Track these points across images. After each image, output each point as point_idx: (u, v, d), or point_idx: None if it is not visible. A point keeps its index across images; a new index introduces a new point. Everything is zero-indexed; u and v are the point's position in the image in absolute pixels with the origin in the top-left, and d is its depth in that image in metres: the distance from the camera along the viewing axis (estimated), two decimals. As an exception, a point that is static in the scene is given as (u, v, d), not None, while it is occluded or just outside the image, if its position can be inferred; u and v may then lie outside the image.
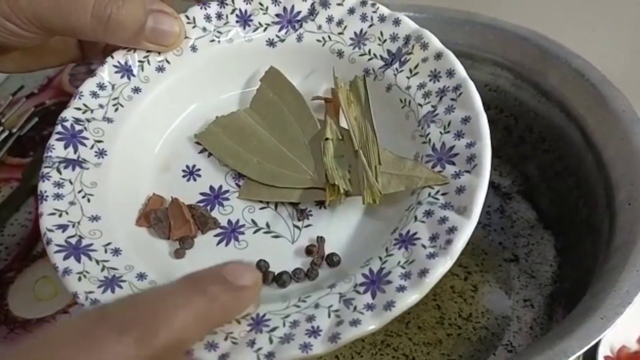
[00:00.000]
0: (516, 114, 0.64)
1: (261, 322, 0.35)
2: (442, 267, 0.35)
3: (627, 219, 0.47)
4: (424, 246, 0.36)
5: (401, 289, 0.35)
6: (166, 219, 0.43)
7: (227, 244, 0.43)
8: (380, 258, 0.37)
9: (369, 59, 0.47)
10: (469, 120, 0.41)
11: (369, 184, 0.41)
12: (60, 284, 0.66)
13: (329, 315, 0.35)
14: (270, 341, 0.34)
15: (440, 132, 0.41)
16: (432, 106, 0.43)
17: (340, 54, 0.48)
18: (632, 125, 0.50)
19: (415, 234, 0.37)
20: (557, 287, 0.59)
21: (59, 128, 0.45)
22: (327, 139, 0.45)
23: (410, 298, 0.34)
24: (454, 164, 0.40)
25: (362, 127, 0.45)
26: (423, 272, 0.35)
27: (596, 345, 0.60)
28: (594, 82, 0.54)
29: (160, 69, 0.48)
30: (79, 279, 0.38)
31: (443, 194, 0.38)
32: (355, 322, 0.34)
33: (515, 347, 0.57)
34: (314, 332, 0.34)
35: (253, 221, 0.44)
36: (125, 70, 0.47)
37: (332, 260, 0.40)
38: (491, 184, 0.67)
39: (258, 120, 0.48)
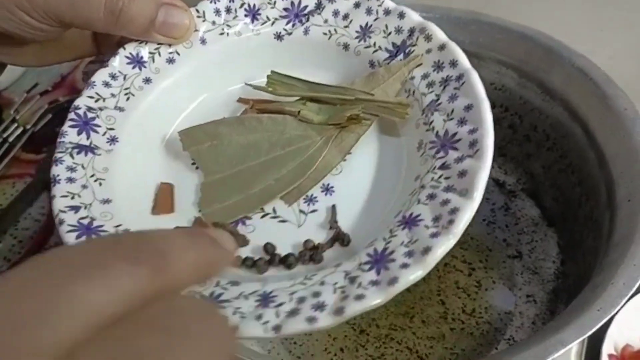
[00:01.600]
0: (521, 113, 0.64)
1: (268, 298, 0.36)
2: (444, 245, 0.35)
3: (627, 215, 0.48)
4: (426, 226, 0.37)
5: (405, 266, 0.35)
6: None
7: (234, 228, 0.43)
8: (384, 239, 0.38)
9: (374, 51, 0.49)
10: (472, 107, 0.41)
11: (393, 105, 0.44)
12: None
13: (334, 291, 0.35)
14: (277, 315, 0.35)
15: (444, 120, 0.42)
16: (436, 95, 0.44)
17: (346, 46, 0.50)
18: (633, 123, 0.51)
19: (418, 215, 0.38)
20: (559, 283, 0.60)
21: (72, 115, 0.46)
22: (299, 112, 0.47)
23: (414, 274, 0.35)
24: (456, 149, 0.40)
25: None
26: (426, 250, 0.35)
27: (600, 344, 0.60)
28: (597, 81, 0.54)
29: (171, 61, 0.49)
30: None
31: (446, 178, 0.39)
32: (360, 297, 0.34)
33: (517, 341, 0.57)
34: (320, 307, 0.34)
35: (260, 207, 0.44)
36: (136, 62, 0.49)
37: (343, 240, 0.41)
38: (496, 182, 0.68)
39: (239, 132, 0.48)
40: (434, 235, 0.36)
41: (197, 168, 0.47)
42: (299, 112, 0.47)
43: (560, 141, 0.61)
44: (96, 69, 0.49)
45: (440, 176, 0.39)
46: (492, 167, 0.66)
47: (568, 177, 0.61)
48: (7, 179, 0.78)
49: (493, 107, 0.65)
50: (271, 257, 0.41)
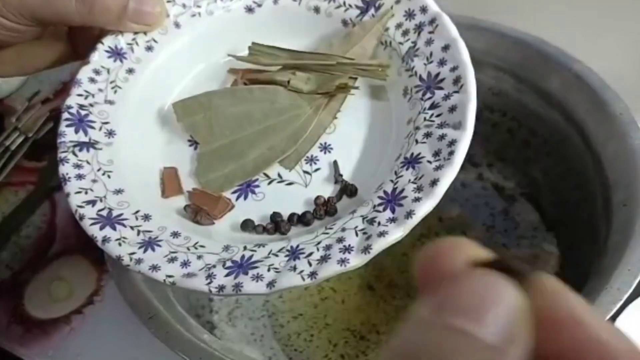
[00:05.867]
0: (519, 118, 0.65)
1: (296, 252, 0.39)
2: (449, 175, 0.38)
3: (622, 220, 0.48)
4: (429, 162, 0.40)
5: (417, 199, 0.38)
6: (199, 208, 0.44)
7: (245, 198, 0.45)
8: (392, 181, 0.40)
9: (345, 10, 0.50)
10: (448, 48, 0.44)
11: (374, 67, 0.47)
12: (75, 285, 0.68)
13: (357, 234, 0.38)
14: (310, 264, 0.38)
15: (424, 64, 0.45)
16: (412, 42, 0.46)
17: (316, 9, 0.51)
18: (629, 127, 0.51)
19: (419, 154, 0.41)
20: (559, 287, 0.60)
21: (66, 115, 0.47)
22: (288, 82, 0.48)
23: (427, 205, 0.38)
24: (442, 88, 0.43)
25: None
26: (434, 182, 0.38)
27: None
28: (593, 86, 0.55)
29: (149, 49, 0.50)
30: (119, 244, 0.41)
31: (437, 116, 0.42)
32: (382, 234, 0.37)
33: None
34: (347, 249, 0.37)
35: (265, 174, 0.46)
36: (116, 54, 0.50)
37: (351, 191, 0.43)
38: (495, 186, 0.68)
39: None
40: (438, 168, 0.39)
41: (195, 149, 0.48)
42: (288, 81, 0.48)
43: (558, 146, 0.61)
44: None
45: (432, 115, 0.42)
46: (491, 171, 0.69)
47: (566, 182, 0.61)
48: (10, 187, 0.79)
49: (491, 111, 0.66)
50: (290, 217, 0.43)
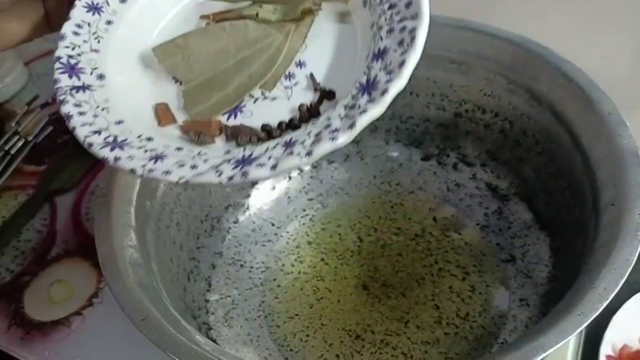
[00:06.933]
0: (511, 118, 0.65)
1: (290, 143, 0.43)
2: (414, 56, 0.42)
3: (610, 219, 0.48)
4: (395, 50, 0.43)
5: (389, 81, 0.42)
6: (198, 133, 0.47)
7: (235, 117, 0.48)
8: (365, 74, 0.44)
9: None
10: None
11: None
12: (74, 287, 0.69)
13: (341, 119, 0.42)
14: (304, 147, 0.41)
15: None
16: None
17: None
18: (618, 127, 0.52)
19: (384, 47, 0.44)
20: (552, 286, 0.60)
21: (57, 65, 0.49)
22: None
23: (398, 83, 0.41)
24: None
25: None
26: (401, 64, 0.42)
27: (598, 344, 0.61)
28: (582, 85, 0.55)
29: (123, 1, 0.54)
30: (130, 159, 0.44)
31: (397, 13, 0.45)
32: (363, 112, 0.41)
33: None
34: (335, 130, 0.41)
35: (250, 94, 0.49)
36: (94, 9, 0.53)
37: (329, 94, 0.47)
38: (489, 186, 0.69)
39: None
40: (404, 53, 0.42)
41: (180, 84, 0.51)
42: (257, 14, 0.52)
43: (549, 146, 0.61)
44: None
45: (391, 14, 0.46)
46: (485, 171, 0.69)
47: (557, 182, 0.61)
48: (10, 191, 0.80)
49: (483, 112, 0.67)
50: (279, 125, 0.46)
